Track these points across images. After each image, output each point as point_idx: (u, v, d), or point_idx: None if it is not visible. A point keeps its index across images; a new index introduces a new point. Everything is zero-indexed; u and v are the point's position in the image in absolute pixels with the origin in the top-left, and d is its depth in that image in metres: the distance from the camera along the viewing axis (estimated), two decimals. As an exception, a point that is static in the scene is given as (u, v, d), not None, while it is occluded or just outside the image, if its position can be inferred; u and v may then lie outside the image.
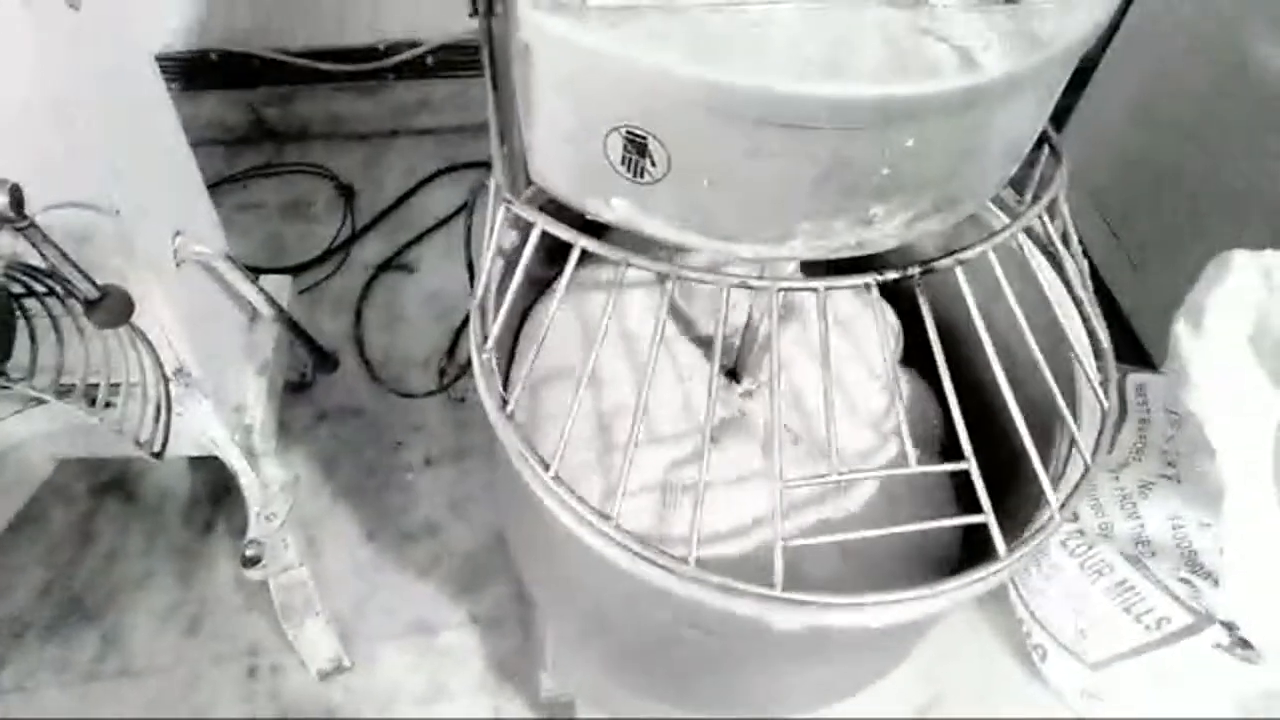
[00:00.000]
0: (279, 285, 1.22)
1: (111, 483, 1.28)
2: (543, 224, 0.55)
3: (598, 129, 0.49)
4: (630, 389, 0.70)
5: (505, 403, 0.59)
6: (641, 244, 0.55)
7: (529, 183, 0.58)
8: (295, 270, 1.49)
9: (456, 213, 1.60)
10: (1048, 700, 1.17)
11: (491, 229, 0.60)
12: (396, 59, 1.59)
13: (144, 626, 1.17)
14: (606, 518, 0.52)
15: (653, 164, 0.49)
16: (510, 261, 0.64)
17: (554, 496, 0.54)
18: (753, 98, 0.44)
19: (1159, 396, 1.10)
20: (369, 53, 1.59)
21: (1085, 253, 0.66)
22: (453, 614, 1.20)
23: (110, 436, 0.82)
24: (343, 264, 1.55)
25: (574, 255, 0.55)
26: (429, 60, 1.60)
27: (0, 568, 1.18)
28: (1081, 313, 0.65)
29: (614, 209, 0.53)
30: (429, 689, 1.14)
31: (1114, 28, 1.39)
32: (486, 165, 0.63)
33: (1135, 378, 1.14)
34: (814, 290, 0.54)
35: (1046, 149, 0.63)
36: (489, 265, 0.63)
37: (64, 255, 0.61)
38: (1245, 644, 0.91)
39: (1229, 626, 0.92)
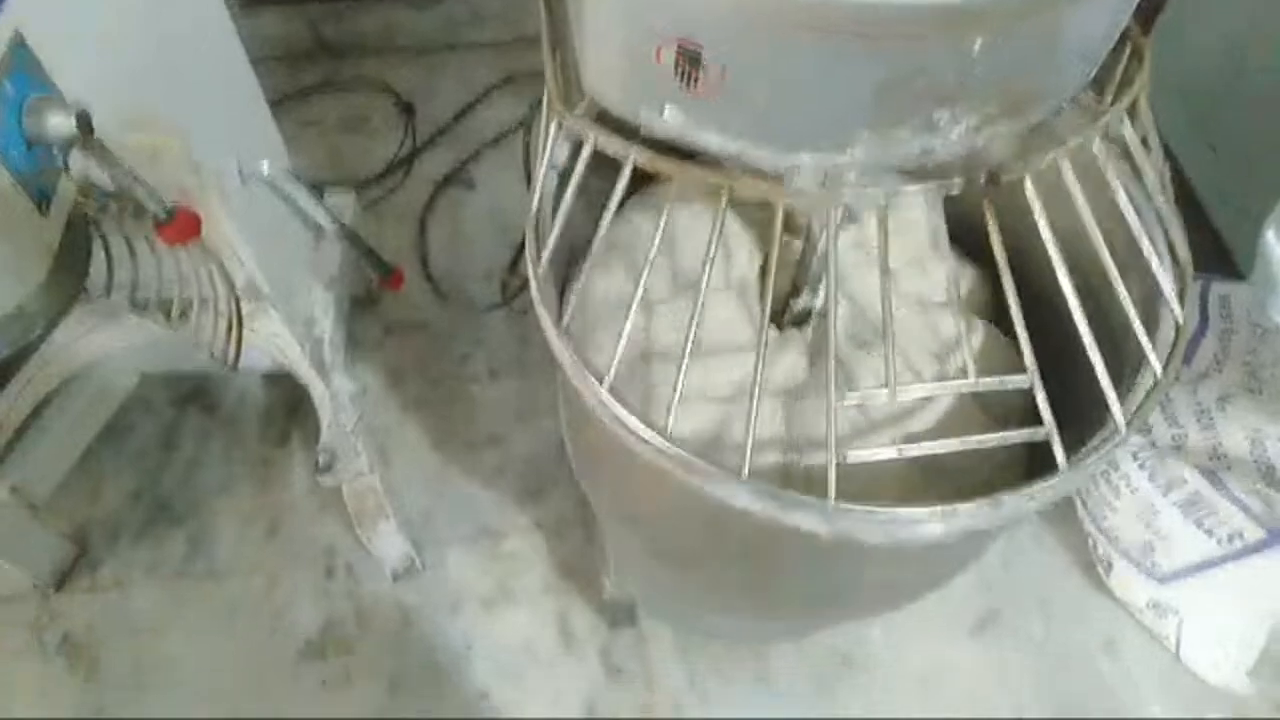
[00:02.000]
0: (343, 202, 1.23)
1: (192, 395, 1.33)
2: (594, 136, 0.54)
3: (649, 41, 0.47)
4: (685, 303, 0.70)
5: (560, 317, 0.59)
6: (700, 159, 0.54)
7: (583, 95, 0.57)
8: (358, 186, 1.51)
9: (515, 127, 1.58)
10: (1110, 612, 1.17)
11: (545, 143, 0.59)
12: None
13: (227, 529, 1.23)
14: (659, 429, 0.53)
15: (706, 75, 0.48)
16: (565, 176, 0.63)
17: (607, 409, 0.54)
18: (811, 5, 0.42)
19: (1244, 307, 1.06)
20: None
21: (1171, 159, 0.63)
22: (517, 519, 1.24)
23: (187, 350, 0.85)
24: (405, 179, 1.55)
25: (626, 168, 0.54)
26: (484, -31, 1.57)
27: (93, 474, 1.25)
28: (1159, 221, 0.62)
29: (667, 120, 0.51)
30: (495, 591, 1.19)
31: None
32: (543, 77, 0.62)
33: (1219, 288, 1.10)
34: (874, 199, 0.52)
35: (1128, 48, 0.59)
36: (543, 180, 0.62)
37: (133, 175, 0.62)
38: (1321, 560, 0.89)
39: (1304, 542, 0.90)
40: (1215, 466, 0.98)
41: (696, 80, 0.48)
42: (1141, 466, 1.03)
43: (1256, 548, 0.95)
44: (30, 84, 0.58)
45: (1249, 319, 1.03)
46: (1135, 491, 1.05)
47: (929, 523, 0.49)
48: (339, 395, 1.03)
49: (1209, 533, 0.99)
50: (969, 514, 0.49)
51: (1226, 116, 1.31)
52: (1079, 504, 1.17)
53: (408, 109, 1.61)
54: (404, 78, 1.67)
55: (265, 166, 0.93)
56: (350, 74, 1.67)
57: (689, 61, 0.47)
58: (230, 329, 0.81)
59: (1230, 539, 0.97)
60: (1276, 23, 1.20)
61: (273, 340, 0.99)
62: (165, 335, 0.80)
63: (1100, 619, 1.17)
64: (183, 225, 0.67)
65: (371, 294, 1.38)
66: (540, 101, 1.12)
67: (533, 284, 0.60)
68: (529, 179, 1.38)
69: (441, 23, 1.64)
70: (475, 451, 1.30)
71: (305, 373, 1.01)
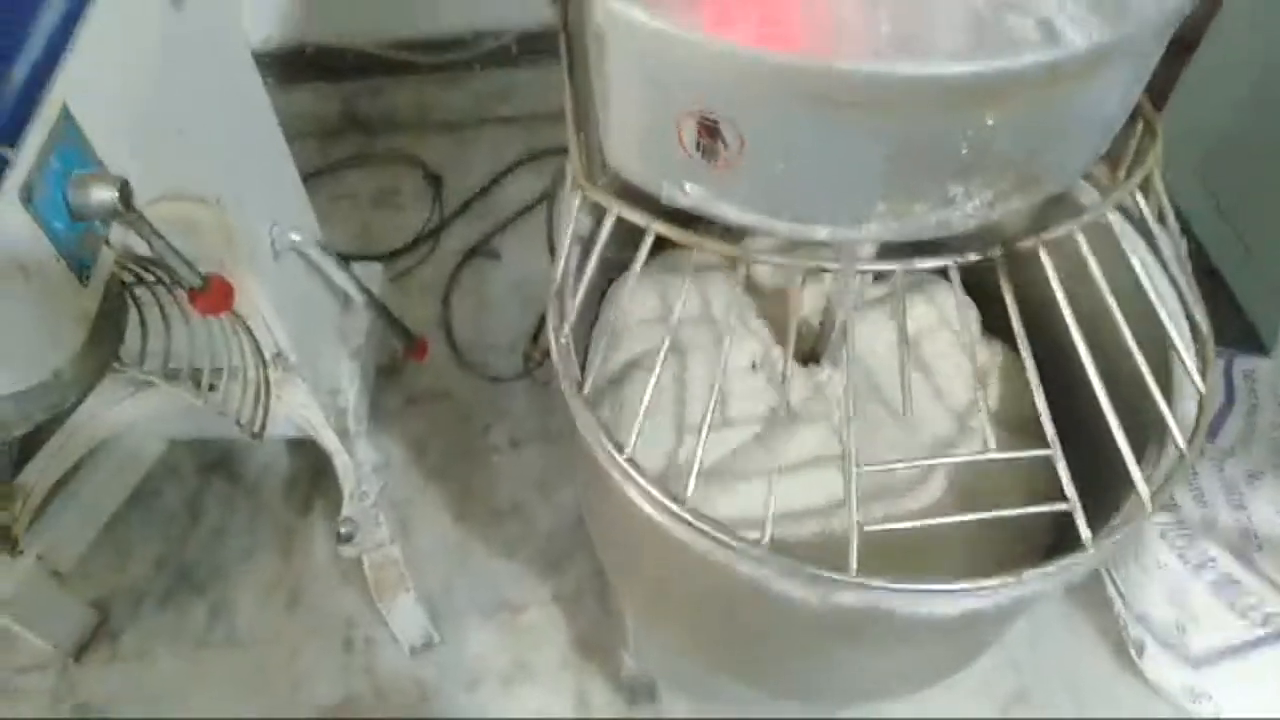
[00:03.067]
0: (370, 273, 1.26)
1: (218, 463, 1.34)
2: (617, 209, 0.56)
3: (670, 114, 0.49)
4: (706, 373, 0.70)
5: (582, 386, 0.59)
6: (721, 229, 0.56)
7: (605, 169, 0.59)
8: (386, 258, 1.54)
9: (540, 200, 1.62)
10: (1143, 697, 1.13)
11: (569, 216, 0.61)
12: (481, 48, 1.62)
13: (248, 599, 1.23)
14: (679, 500, 0.53)
15: (725, 147, 0.49)
16: (587, 247, 0.65)
17: (628, 479, 0.54)
18: (824, 78, 0.43)
19: (1268, 382, 1.05)
20: (455, 42, 1.62)
21: (1189, 233, 0.64)
22: (537, 592, 1.23)
23: (215, 418, 0.87)
24: (431, 251, 1.58)
25: (647, 239, 0.55)
26: (513, 49, 1.62)
27: (119, 541, 1.26)
28: (1179, 294, 0.62)
29: (688, 193, 0.53)
30: (513, 666, 1.17)
31: (1220, -7, 1.32)
32: (567, 152, 0.64)
33: (1243, 362, 1.09)
34: (890, 272, 0.53)
35: (1141, 123, 0.60)
36: (567, 251, 0.64)
37: (169, 246, 0.64)
38: (1361, 643, 0.87)
39: (1343, 624, 0.87)
40: (1246, 546, 0.96)
41: (716, 154, 0.50)
42: (1171, 546, 1.01)
43: (1293, 630, 0.93)
44: (75, 157, 0.60)
45: (1275, 394, 1.02)
46: (1165, 572, 1.03)
47: (953, 596, 0.48)
48: (362, 465, 1.04)
49: (1242, 615, 0.97)
50: (992, 589, 0.48)
51: (1244, 191, 1.32)
52: (1109, 583, 1.14)
53: (436, 182, 1.65)
54: (434, 152, 1.72)
55: (297, 237, 0.96)
56: (382, 149, 1.72)
57: (708, 134, 0.49)
58: (258, 398, 0.82)
59: (1264, 622, 0.95)
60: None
61: (299, 409, 1.00)
62: (195, 404, 0.82)
63: (1133, 703, 1.13)
64: (217, 295, 0.69)
65: (395, 364, 1.39)
66: (563, 174, 1.15)
67: (554, 352, 0.61)
68: (552, 250, 1.40)
69: (471, 99, 1.70)
70: (496, 522, 1.30)
71: (330, 442, 1.02)
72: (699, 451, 0.53)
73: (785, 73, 0.43)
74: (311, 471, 1.33)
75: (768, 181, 0.50)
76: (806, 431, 0.68)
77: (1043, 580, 0.50)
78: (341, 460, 1.03)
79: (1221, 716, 1.06)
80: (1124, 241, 0.59)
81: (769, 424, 0.68)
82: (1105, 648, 1.17)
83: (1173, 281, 0.63)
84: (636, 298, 0.77)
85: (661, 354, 0.56)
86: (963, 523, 0.54)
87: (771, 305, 0.78)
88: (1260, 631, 0.96)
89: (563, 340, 0.61)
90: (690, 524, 0.53)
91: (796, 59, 0.43)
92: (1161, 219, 0.61)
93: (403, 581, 1.05)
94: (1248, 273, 1.32)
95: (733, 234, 0.64)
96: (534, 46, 1.63)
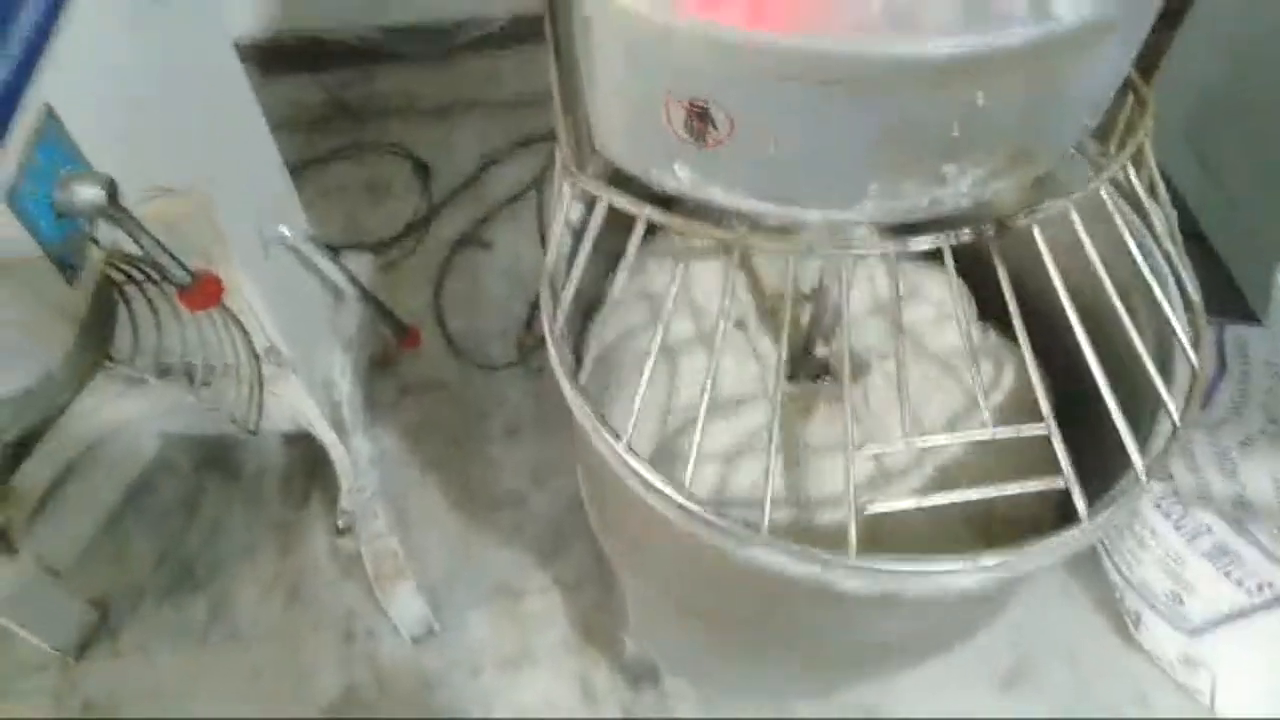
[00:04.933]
0: (360, 264, 1.25)
1: (213, 459, 1.34)
2: (607, 196, 0.56)
3: (658, 97, 0.48)
4: (701, 359, 0.70)
5: (577, 375, 0.59)
6: (712, 214, 0.55)
7: (595, 155, 0.59)
8: (376, 248, 1.53)
9: (530, 187, 1.61)
10: (1140, 667, 1.14)
11: (560, 203, 0.61)
12: (467, 35, 1.60)
13: (248, 594, 1.23)
14: (678, 486, 0.53)
15: (715, 130, 0.49)
16: (579, 235, 0.65)
17: (626, 466, 0.54)
18: (814, 58, 0.43)
19: (1260, 350, 1.05)
20: (440, 29, 1.60)
21: (1180, 202, 0.64)
22: (536, 579, 1.23)
23: (209, 414, 0.86)
24: (422, 241, 1.58)
25: (639, 226, 0.55)
26: (499, 34, 1.61)
27: (117, 539, 1.26)
28: (1170, 266, 0.62)
29: (678, 177, 0.53)
30: (516, 651, 1.18)
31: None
32: (556, 139, 0.63)
33: (1234, 331, 1.09)
34: (885, 254, 0.53)
35: (1130, 96, 0.60)
36: (558, 239, 0.63)
37: (157, 243, 0.63)
38: (1355, 608, 0.87)
39: (1337, 590, 0.88)
40: (1240, 514, 0.97)
41: (705, 136, 0.49)
42: (1166, 516, 1.01)
43: (1288, 596, 0.93)
44: (59, 156, 0.60)
45: (1266, 361, 1.03)
46: (1160, 542, 1.03)
47: (950, 573, 0.49)
48: (359, 457, 1.04)
49: (1238, 583, 0.97)
50: (991, 564, 0.49)
51: (1234, 160, 1.32)
52: (1105, 556, 1.15)
53: (425, 170, 1.65)
54: (421, 140, 1.71)
55: (285, 231, 0.95)
56: (370, 138, 1.70)
57: (698, 117, 0.48)
58: (251, 393, 0.82)
59: (1260, 589, 0.96)
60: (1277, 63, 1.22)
61: (293, 403, 1.00)
62: (189, 401, 0.81)
63: (1131, 673, 1.14)
64: (205, 290, 0.68)
65: (389, 355, 1.39)
66: (553, 161, 1.14)
67: (549, 342, 0.61)
68: (543, 238, 1.40)
69: (458, 84, 1.68)
70: (494, 511, 1.30)
71: (325, 435, 1.02)
72: (696, 438, 0.53)
73: (774, 54, 0.43)
74: (308, 465, 1.32)
75: (759, 164, 0.50)
76: (804, 416, 0.68)
77: (1041, 556, 0.51)
78: (338, 453, 1.03)
79: (1217, 684, 1.08)
80: (1116, 215, 0.59)
81: (764, 408, 0.68)
82: (1102, 619, 1.18)
83: (1164, 254, 0.63)
84: (633, 287, 0.77)
85: (655, 344, 0.56)
86: (964, 504, 0.54)
87: (765, 290, 0.78)
88: (1255, 599, 0.96)
89: (556, 330, 0.61)
90: (689, 510, 0.53)
91: (785, 39, 0.42)
92: (1152, 191, 0.61)
93: (402, 571, 1.05)
94: (1235, 237, 1.32)
95: (725, 219, 0.64)
96: (520, 31, 1.62)
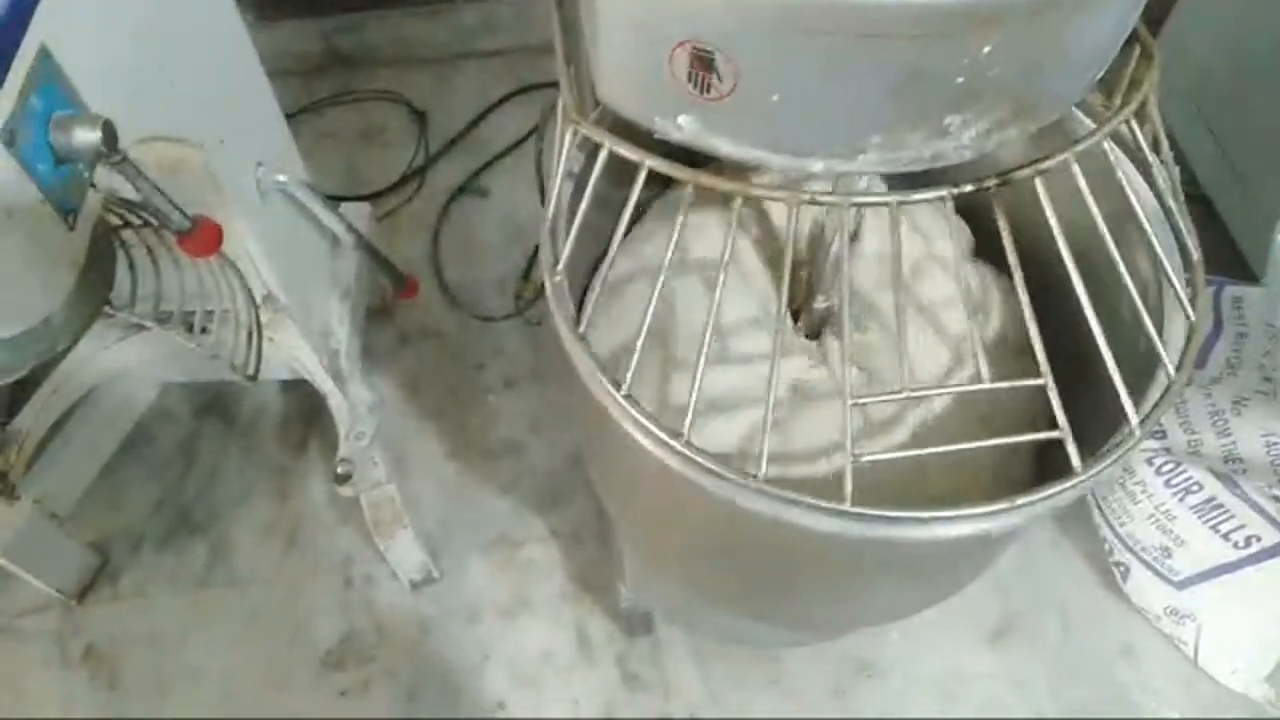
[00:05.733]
0: (358, 212, 1.25)
1: (211, 406, 1.34)
2: (610, 144, 0.55)
3: (664, 45, 0.48)
4: (702, 309, 0.70)
5: (578, 324, 0.59)
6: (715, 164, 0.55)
7: (596, 104, 0.58)
8: (373, 197, 1.52)
9: (528, 135, 1.60)
10: (1128, 619, 1.16)
11: (560, 151, 0.60)
12: (465, -20, 1.58)
13: (247, 539, 1.24)
14: (677, 434, 0.53)
15: (720, 79, 0.48)
16: (580, 183, 0.64)
17: (627, 415, 0.55)
18: (820, 5, 0.42)
19: (1258, 310, 1.06)
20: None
21: (1182, 161, 0.64)
22: (535, 528, 1.25)
23: (207, 361, 0.87)
24: (418, 189, 1.57)
25: (640, 174, 0.55)
26: (497, -20, 1.59)
27: (115, 485, 1.27)
28: (1171, 223, 0.62)
29: (681, 127, 0.52)
30: (513, 600, 1.20)
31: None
32: (556, 86, 0.63)
33: (1232, 290, 1.10)
34: (886, 205, 0.53)
35: (1137, 49, 0.59)
36: (558, 188, 0.63)
37: (155, 187, 0.63)
38: (1340, 563, 0.89)
39: (1323, 545, 0.89)
40: (1231, 470, 0.98)
41: (709, 86, 0.49)
42: (1158, 472, 1.03)
43: (1273, 551, 0.95)
44: (56, 99, 0.59)
45: (1263, 321, 1.03)
46: (1151, 496, 1.05)
47: (945, 524, 0.49)
48: (357, 406, 1.04)
49: (1225, 537, 0.99)
50: (986, 516, 0.49)
51: (1237, 119, 1.31)
52: (1095, 510, 1.17)
53: (421, 118, 1.63)
54: (418, 88, 1.69)
55: (283, 178, 0.95)
56: (365, 85, 1.68)
57: (703, 65, 0.48)
58: (250, 340, 0.82)
59: (1247, 543, 0.97)
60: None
61: (291, 351, 1.00)
62: (188, 347, 0.81)
63: (1118, 625, 1.16)
64: (205, 237, 0.68)
65: (387, 304, 1.39)
66: (552, 109, 1.13)
67: (549, 290, 0.61)
68: (541, 188, 1.39)
69: (455, 32, 1.66)
70: (492, 460, 1.31)
71: (323, 383, 1.03)
72: (695, 386, 0.53)
73: (788, 2, 0.43)
74: (305, 412, 1.33)
75: (762, 113, 0.49)
76: (804, 365, 0.69)
77: (1035, 506, 0.51)
78: (336, 401, 1.03)
79: (1201, 637, 1.10)
80: (1118, 169, 0.59)
81: (762, 360, 0.69)
82: (1091, 573, 1.20)
83: (1166, 210, 0.63)
84: (636, 236, 0.77)
85: (655, 293, 0.56)
86: (959, 453, 0.55)
87: (764, 241, 0.78)
88: (1242, 553, 0.98)
89: (556, 279, 0.61)
90: (688, 458, 0.53)
91: (794, -13, 0.42)
92: (1156, 147, 0.61)
93: (400, 519, 1.06)
94: (1238, 199, 1.32)
95: (727, 169, 0.64)
96: (516, -23, 1.59)
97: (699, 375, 0.54)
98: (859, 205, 0.54)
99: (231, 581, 1.21)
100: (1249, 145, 1.29)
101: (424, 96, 1.67)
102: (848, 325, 0.53)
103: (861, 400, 0.52)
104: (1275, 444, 0.96)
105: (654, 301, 0.55)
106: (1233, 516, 0.97)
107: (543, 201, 1.46)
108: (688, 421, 0.53)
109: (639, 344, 0.55)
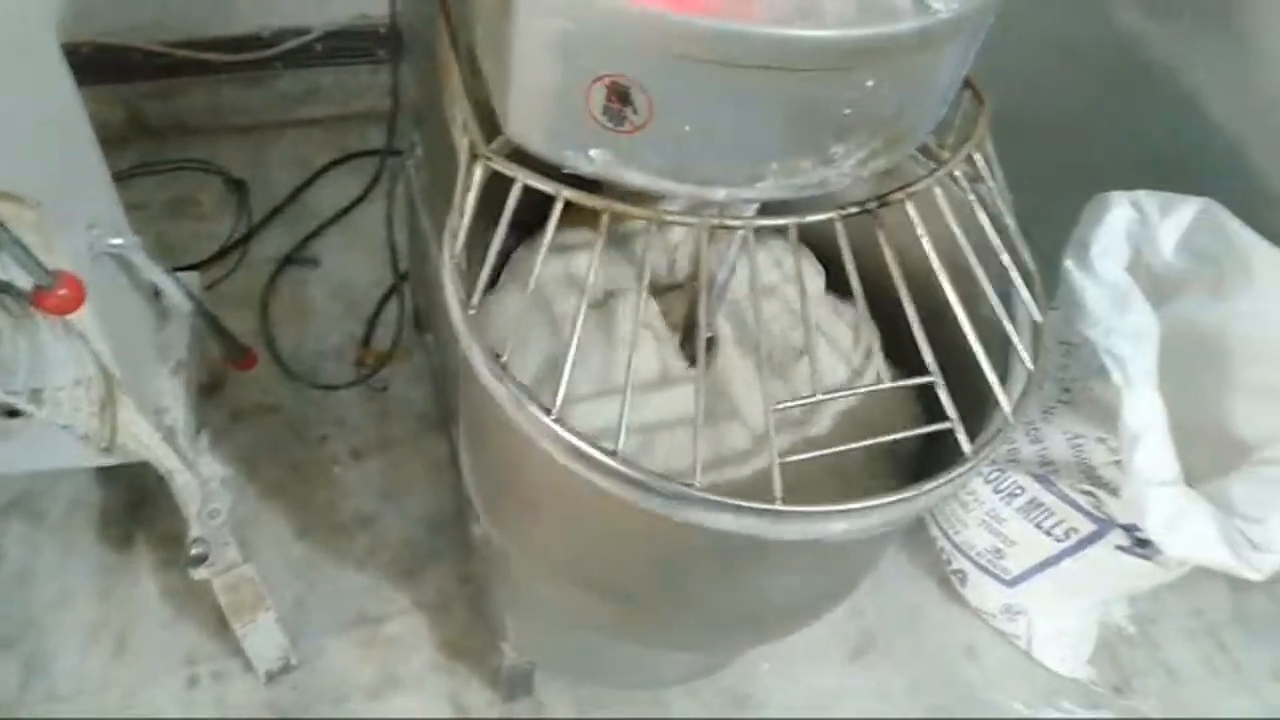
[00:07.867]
0: (187, 281, 1.17)
1: (14, 502, 1.21)
2: (522, 177, 0.57)
3: (581, 80, 0.51)
4: (590, 343, 0.73)
5: (468, 305, 0.60)
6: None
7: (488, 140, 0.60)
8: (189, 269, 1.43)
9: (358, 201, 1.57)
10: (968, 621, 1.26)
11: (469, 189, 0.61)
12: (282, 47, 1.55)
13: (68, 648, 1.11)
14: (610, 452, 0.55)
15: (635, 112, 0.52)
16: (479, 219, 0.65)
17: (559, 440, 0.56)
18: (735, 40, 0.47)
19: (1053, 329, 1.20)
20: (252, 41, 1.54)
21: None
22: (396, 602, 1.20)
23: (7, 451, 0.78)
24: (241, 261, 1.50)
25: (557, 205, 0.57)
26: (317, 47, 1.57)
27: (-101, 603, 1.11)
28: (1006, 242, 0.71)
29: (593, 160, 0.55)
30: (380, 679, 1.14)
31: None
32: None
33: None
34: (784, 226, 0.58)
35: (968, 91, 0.68)
36: (465, 226, 0.63)
37: (17, 241, 0.58)
38: (1143, 543, 1.01)
39: (1128, 529, 1.01)
40: (1046, 472, 1.10)
41: (625, 119, 0.52)
42: (985, 480, 1.14)
43: (1089, 539, 1.07)
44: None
45: (1056, 339, 1.18)
46: (981, 504, 1.16)
47: (872, 510, 0.54)
48: (209, 481, 0.97)
49: (1048, 533, 1.10)
50: (906, 502, 0.54)
51: (1022, 153, 1.48)
52: (933, 523, 1.27)
53: (239, 188, 1.56)
54: (234, 157, 1.62)
55: (119, 240, 0.89)
56: (175, 155, 1.60)
57: (620, 99, 0.51)
58: (104, 409, 0.75)
59: (1066, 535, 1.09)
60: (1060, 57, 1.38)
61: (129, 428, 0.92)
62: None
63: (960, 628, 1.26)
64: (70, 293, 0.63)
65: (216, 380, 1.31)
66: (402, 165, 1.13)
67: (445, 270, 0.61)
68: (393, 249, 1.37)
69: (272, 101, 1.62)
70: (344, 535, 1.25)
71: (167, 459, 0.95)
72: (624, 410, 0.55)
73: (700, 35, 0.47)
74: (128, 502, 1.22)
75: (674, 145, 0.53)
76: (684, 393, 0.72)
77: (936, 490, 0.57)
78: (183, 479, 0.96)
79: (1033, 629, 1.21)
80: (969, 198, 0.67)
81: (669, 382, 0.72)
82: (933, 583, 1.29)
83: (1008, 239, 0.72)
84: (518, 268, 0.78)
85: (577, 328, 0.57)
86: (849, 454, 0.60)
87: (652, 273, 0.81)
88: (1062, 545, 1.10)
89: (454, 259, 0.61)
90: (626, 475, 0.55)
91: (714, 22, 0.46)
92: (993, 174, 0.70)
93: (261, 601, 0.99)
94: (1029, 230, 1.49)
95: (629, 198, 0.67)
96: (339, 45, 1.58)
97: (627, 399, 0.56)
98: (759, 227, 0.58)
99: (53, 697, 1.08)
100: (1033, 176, 1.46)
101: (242, 166, 1.61)
102: (762, 331, 0.57)
103: (780, 406, 0.56)
104: (1078, 444, 1.08)
105: (574, 347, 0.57)
106: (1052, 513, 1.08)
107: (393, 259, 1.44)
108: (620, 441, 0.55)
109: (562, 385, 0.56)
